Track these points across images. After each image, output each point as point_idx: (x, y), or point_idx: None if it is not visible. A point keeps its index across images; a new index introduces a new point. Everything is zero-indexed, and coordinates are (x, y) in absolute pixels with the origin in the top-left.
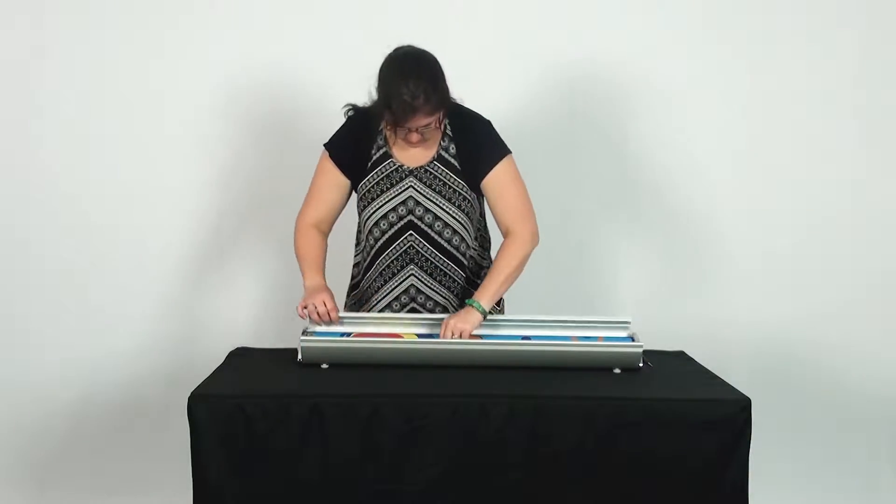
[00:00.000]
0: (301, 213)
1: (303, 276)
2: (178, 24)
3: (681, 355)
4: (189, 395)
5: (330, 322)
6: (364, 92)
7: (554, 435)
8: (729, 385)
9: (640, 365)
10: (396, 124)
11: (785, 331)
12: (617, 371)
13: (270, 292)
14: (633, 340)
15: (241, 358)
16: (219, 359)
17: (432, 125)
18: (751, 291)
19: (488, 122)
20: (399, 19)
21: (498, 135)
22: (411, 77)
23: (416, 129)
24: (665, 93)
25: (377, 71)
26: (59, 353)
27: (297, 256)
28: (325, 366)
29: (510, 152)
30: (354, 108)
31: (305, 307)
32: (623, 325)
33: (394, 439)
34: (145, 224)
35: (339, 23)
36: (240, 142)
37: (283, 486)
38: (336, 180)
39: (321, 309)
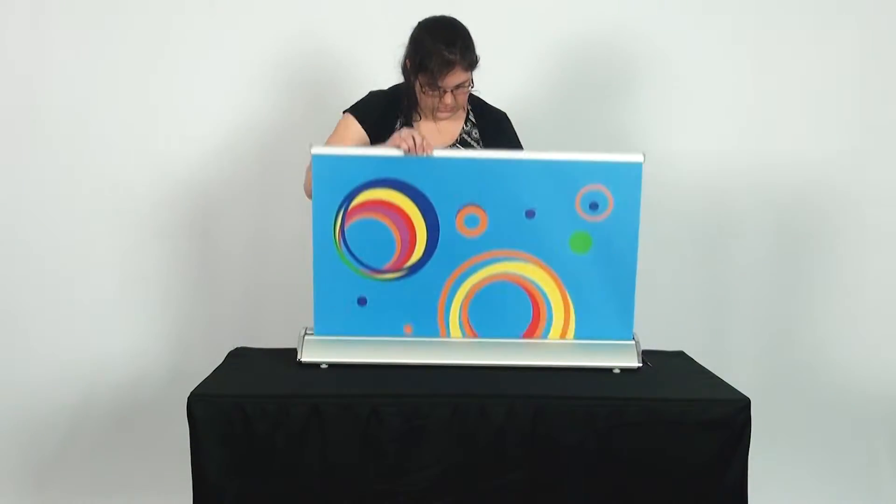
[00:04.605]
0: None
1: (377, 148)
2: (183, 10)
3: (681, 355)
4: (189, 395)
5: (423, 154)
6: (360, 92)
7: (554, 435)
8: (729, 385)
9: (640, 365)
10: (434, 82)
11: (785, 331)
12: (617, 371)
13: (270, 292)
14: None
15: (241, 358)
16: (219, 359)
17: (466, 85)
18: (751, 291)
19: (506, 115)
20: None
21: (514, 130)
22: (447, 34)
23: (451, 91)
24: (670, 88)
25: (408, 41)
26: (59, 353)
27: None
28: (325, 366)
29: (523, 149)
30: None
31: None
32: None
33: (394, 439)
34: (145, 224)
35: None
36: (238, 141)
37: (283, 486)
38: (361, 138)
39: (418, 140)
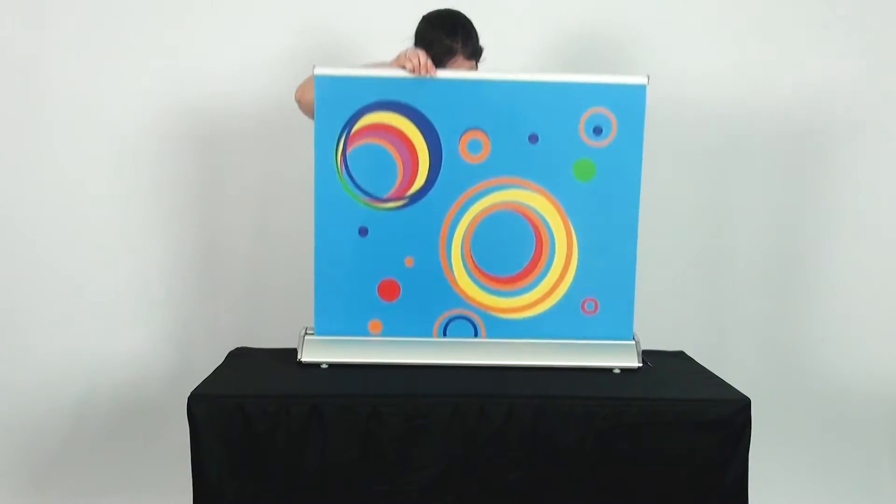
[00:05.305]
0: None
1: (379, 65)
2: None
3: (681, 355)
4: (189, 395)
5: (426, 74)
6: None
7: (554, 435)
8: (729, 385)
9: (640, 365)
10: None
11: (785, 330)
12: (617, 371)
13: (270, 292)
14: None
15: (241, 358)
16: (219, 359)
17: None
18: (751, 291)
19: None
20: None
21: None
22: (449, 24)
23: None
24: (672, 87)
25: (413, 35)
26: (59, 353)
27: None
28: (325, 366)
29: None
30: None
31: (405, 66)
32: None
33: (394, 439)
34: (144, 224)
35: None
36: (239, 140)
37: (283, 486)
38: None
39: (423, 60)
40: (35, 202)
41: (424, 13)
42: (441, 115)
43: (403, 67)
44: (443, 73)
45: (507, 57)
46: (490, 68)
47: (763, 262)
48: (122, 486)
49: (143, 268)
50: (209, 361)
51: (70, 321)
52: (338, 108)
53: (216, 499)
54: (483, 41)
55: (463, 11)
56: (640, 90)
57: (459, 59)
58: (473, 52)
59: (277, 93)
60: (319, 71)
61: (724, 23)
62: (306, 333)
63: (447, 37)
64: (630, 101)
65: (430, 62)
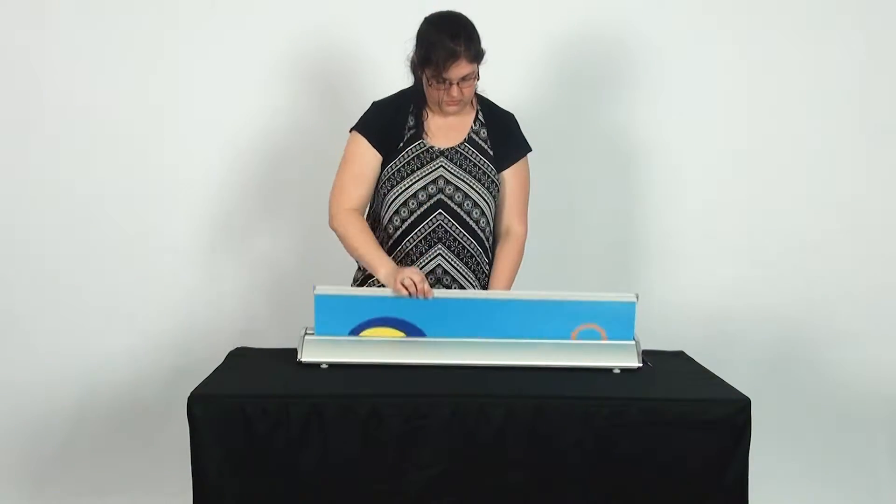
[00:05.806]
0: (338, 196)
1: (373, 268)
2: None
3: (681, 355)
4: (189, 395)
5: (424, 296)
6: (369, 91)
7: (554, 435)
8: (729, 385)
9: (640, 365)
10: (439, 74)
11: (785, 331)
12: (617, 371)
13: (270, 292)
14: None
15: (241, 358)
16: (219, 359)
17: (471, 77)
18: (751, 291)
19: (514, 116)
20: None
21: (521, 131)
22: (451, 26)
23: (457, 84)
24: (669, 92)
25: (415, 37)
26: (59, 353)
27: (352, 248)
28: (325, 366)
29: (531, 150)
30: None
31: (403, 284)
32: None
33: (393, 439)
34: (145, 224)
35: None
36: (241, 141)
37: (283, 486)
38: (373, 159)
39: (419, 286)
40: (35, 202)
41: (426, 15)
42: (437, 331)
43: (399, 293)
44: (439, 294)
45: (508, 59)
46: (491, 70)
47: (764, 262)
48: (122, 486)
49: (143, 268)
50: (209, 361)
51: (70, 321)
52: (337, 323)
53: (216, 499)
54: (485, 43)
55: (464, 13)
56: (629, 308)
57: (462, 62)
58: (476, 55)
59: (276, 93)
60: (319, 290)
61: (724, 22)
62: (306, 333)
63: (450, 39)
64: (620, 318)
65: (426, 285)
